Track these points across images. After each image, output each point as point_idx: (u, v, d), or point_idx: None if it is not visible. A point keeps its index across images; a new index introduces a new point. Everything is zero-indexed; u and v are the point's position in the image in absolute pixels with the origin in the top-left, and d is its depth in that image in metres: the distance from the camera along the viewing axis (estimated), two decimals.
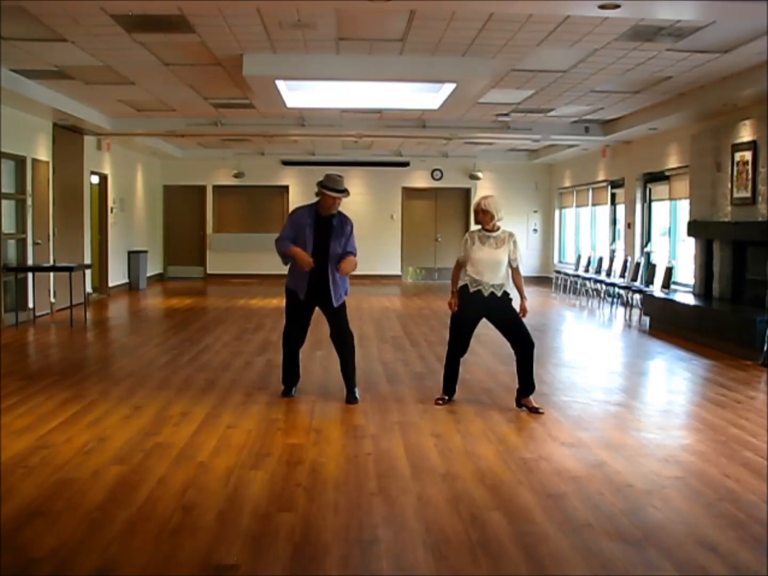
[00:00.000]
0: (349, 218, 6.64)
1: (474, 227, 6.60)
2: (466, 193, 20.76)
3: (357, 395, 6.66)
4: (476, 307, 6.38)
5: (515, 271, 6.48)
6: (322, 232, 6.45)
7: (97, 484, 4.56)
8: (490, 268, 6.32)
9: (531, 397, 6.42)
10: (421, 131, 14.57)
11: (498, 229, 6.40)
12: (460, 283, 6.51)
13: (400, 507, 4.26)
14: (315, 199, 6.58)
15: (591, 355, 9.80)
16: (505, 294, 6.39)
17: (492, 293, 6.34)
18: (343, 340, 6.69)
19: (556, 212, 20.34)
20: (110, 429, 5.76)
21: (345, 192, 6.50)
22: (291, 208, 20.15)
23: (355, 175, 19.01)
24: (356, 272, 6.69)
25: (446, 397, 6.62)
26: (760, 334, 8.58)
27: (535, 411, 6.32)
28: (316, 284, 6.49)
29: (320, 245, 6.44)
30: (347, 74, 9.48)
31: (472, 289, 6.37)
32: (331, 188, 6.40)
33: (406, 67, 9.15)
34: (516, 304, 6.41)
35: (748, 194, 10.26)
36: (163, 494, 4.40)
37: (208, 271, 20.54)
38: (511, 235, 6.45)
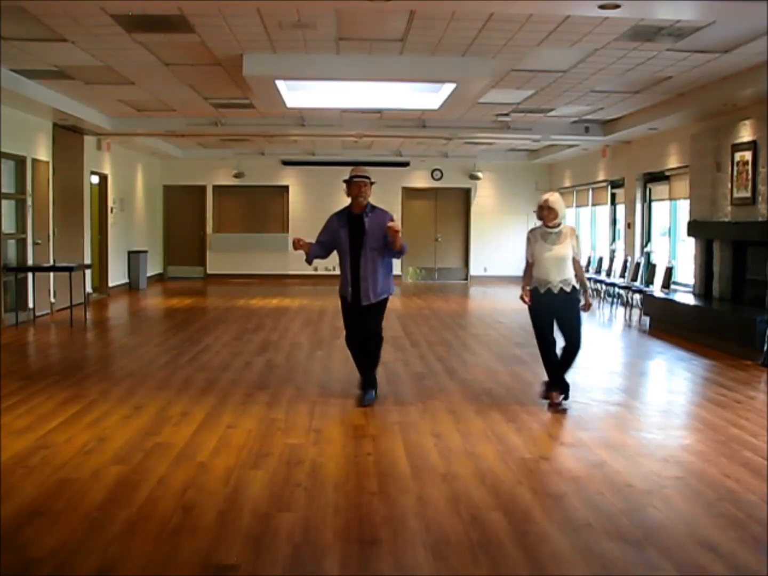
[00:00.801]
0: (388, 212, 6.57)
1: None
2: (466, 193, 20.77)
3: (369, 397, 6.54)
4: (549, 307, 6.39)
5: (577, 263, 6.50)
6: (356, 231, 6.46)
7: (97, 484, 4.57)
8: (556, 265, 6.35)
9: (554, 393, 6.45)
10: (421, 131, 14.56)
11: (559, 225, 6.43)
12: (530, 286, 6.50)
13: (400, 507, 4.26)
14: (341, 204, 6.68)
15: (591, 355, 9.77)
16: (574, 289, 6.40)
17: (561, 289, 6.36)
18: (367, 341, 6.62)
19: None
20: (110, 429, 5.76)
21: (365, 177, 6.47)
22: (291, 208, 20.44)
23: None
24: None
25: (552, 391, 6.49)
26: (760, 334, 8.58)
27: (555, 407, 6.36)
28: (357, 284, 6.49)
29: (356, 244, 6.45)
30: (347, 74, 9.47)
31: (542, 290, 6.41)
32: (352, 176, 6.49)
33: (406, 67, 9.15)
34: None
35: (748, 194, 10.26)
36: (163, 494, 4.40)
37: (208, 271, 20.53)
38: (573, 229, 6.53)
